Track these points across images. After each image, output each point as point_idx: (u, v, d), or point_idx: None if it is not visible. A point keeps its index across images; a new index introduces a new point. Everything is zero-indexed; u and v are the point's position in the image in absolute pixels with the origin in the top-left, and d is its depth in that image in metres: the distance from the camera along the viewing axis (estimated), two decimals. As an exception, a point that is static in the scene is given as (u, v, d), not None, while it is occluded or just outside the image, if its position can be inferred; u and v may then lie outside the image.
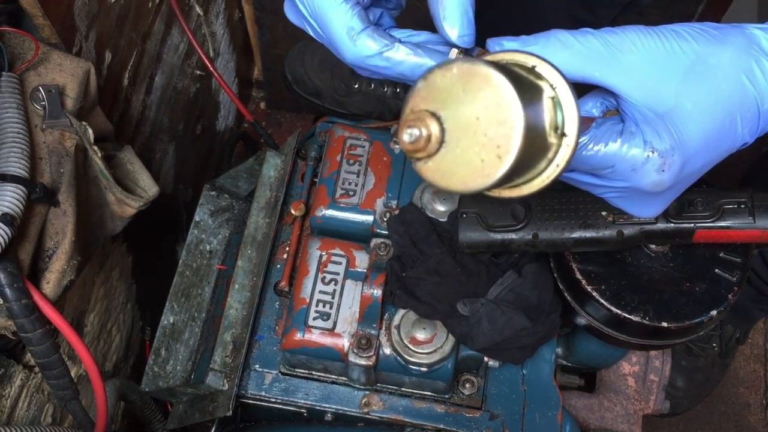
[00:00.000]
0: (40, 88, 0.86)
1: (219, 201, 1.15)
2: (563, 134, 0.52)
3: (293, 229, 0.99)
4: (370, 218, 0.94)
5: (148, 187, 0.99)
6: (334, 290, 0.90)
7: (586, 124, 0.58)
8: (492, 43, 0.58)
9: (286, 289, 0.95)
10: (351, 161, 0.97)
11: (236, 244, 1.13)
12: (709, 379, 1.46)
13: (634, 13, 1.37)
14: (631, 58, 0.56)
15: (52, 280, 0.82)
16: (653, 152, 0.57)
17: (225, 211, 1.16)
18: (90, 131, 0.89)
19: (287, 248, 0.98)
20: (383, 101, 1.40)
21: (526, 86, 0.50)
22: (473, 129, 0.48)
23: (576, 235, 0.80)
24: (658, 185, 0.59)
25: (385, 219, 0.93)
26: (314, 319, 0.88)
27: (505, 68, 0.48)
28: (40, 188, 0.80)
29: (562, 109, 0.52)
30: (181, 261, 1.10)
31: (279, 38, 1.55)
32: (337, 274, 0.91)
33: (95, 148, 0.90)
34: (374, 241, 0.93)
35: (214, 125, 1.59)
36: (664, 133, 0.57)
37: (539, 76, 0.52)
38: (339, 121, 1.11)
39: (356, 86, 1.40)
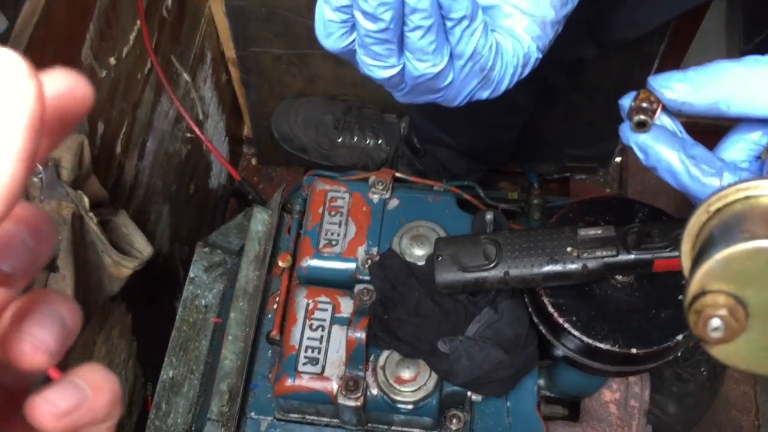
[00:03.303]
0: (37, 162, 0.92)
1: (212, 257, 1.21)
2: None
3: (282, 280, 1.04)
4: (352, 265, 0.99)
5: (142, 248, 1.04)
6: (322, 336, 0.95)
7: None
8: (658, 84, 0.54)
9: (277, 338, 0.99)
10: (332, 213, 1.03)
11: (230, 297, 1.18)
12: (700, 403, 1.49)
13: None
14: None
15: (54, 342, 0.87)
16: None
17: (218, 266, 1.21)
18: (86, 199, 0.95)
19: (277, 298, 1.03)
20: (366, 153, 1.47)
21: None
22: None
23: (544, 270, 0.85)
24: None
25: (366, 265, 0.98)
26: (304, 364, 0.93)
27: None
28: (40, 256, 0.86)
29: None
30: (178, 316, 1.15)
31: (265, 98, 1.62)
32: (324, 320, 0.96)
33: (91, 214, 0.95)
34: (357, 287, 0.98)
35: (207, 183, 1.65)
36: None
37: None
38: (325, 174, 1.17)
39: (340, 140, 1.47)
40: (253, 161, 1.90)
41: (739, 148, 0.57)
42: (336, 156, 1.49)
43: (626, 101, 0.57)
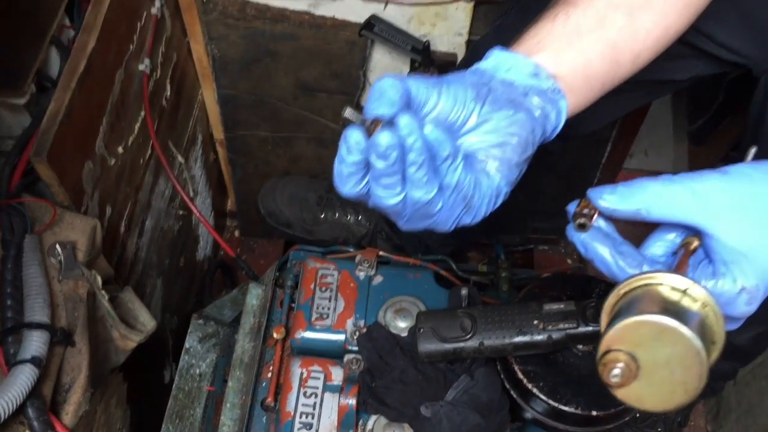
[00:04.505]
0: (57, 245, 1.01)
1: (206, 328, 1.30)
2: (713, 342, 0.63)
3: (276, 351, 1.13)
4: (342, 337, 1.09)
5: (146, 321, 1.13)
6: (315, 402, 1.04)
7: (683, 270, 0.67)
8: (594, 196, 0.68)
9: (272, 405, 1.08)
10: (323, 288, 1.13)
11: (222, 366, 1.26)
12: (659, 461, 1.59)
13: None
14: (716, 203, 0.65)
15: (70, 412, 0.95)
16: (742, 289, 0.65)
17: (212, 337, 1.30)
18: (99, 278, 1.04)
19: (271, 368, 1.12)
20: (347, 228, 1.58)
21: (698, 326, 0.60)
22: (663, 368, 0.60)
23: (514, 341, 0.96)
24: (745, 314, 0.68)
25: (355, 337, 1.08)
26: (299, 429, 1.02)
27: (679, 313, 0.59)
28: (60, 332, 0.95)
29: (714, 324, 0.62)
30: (174, 385, 1.23)
31: (250, 175, 1.74)
32: (317, 388, 1.05)
33: (103, 292, 1.04)
34: (347, 357, 1.08)
35: (195, 256, 1.74)
36: (750, 272, 0.64)
37: (693, 298, 0.62)
38: (309, 249, 1.28)
39: (322, 216, 1.58)
40: (236, 233, 2.00)
41: (658, 245, 0.73)
42: (318, 231, 1.61)
43: (571, 207, 0.72)
